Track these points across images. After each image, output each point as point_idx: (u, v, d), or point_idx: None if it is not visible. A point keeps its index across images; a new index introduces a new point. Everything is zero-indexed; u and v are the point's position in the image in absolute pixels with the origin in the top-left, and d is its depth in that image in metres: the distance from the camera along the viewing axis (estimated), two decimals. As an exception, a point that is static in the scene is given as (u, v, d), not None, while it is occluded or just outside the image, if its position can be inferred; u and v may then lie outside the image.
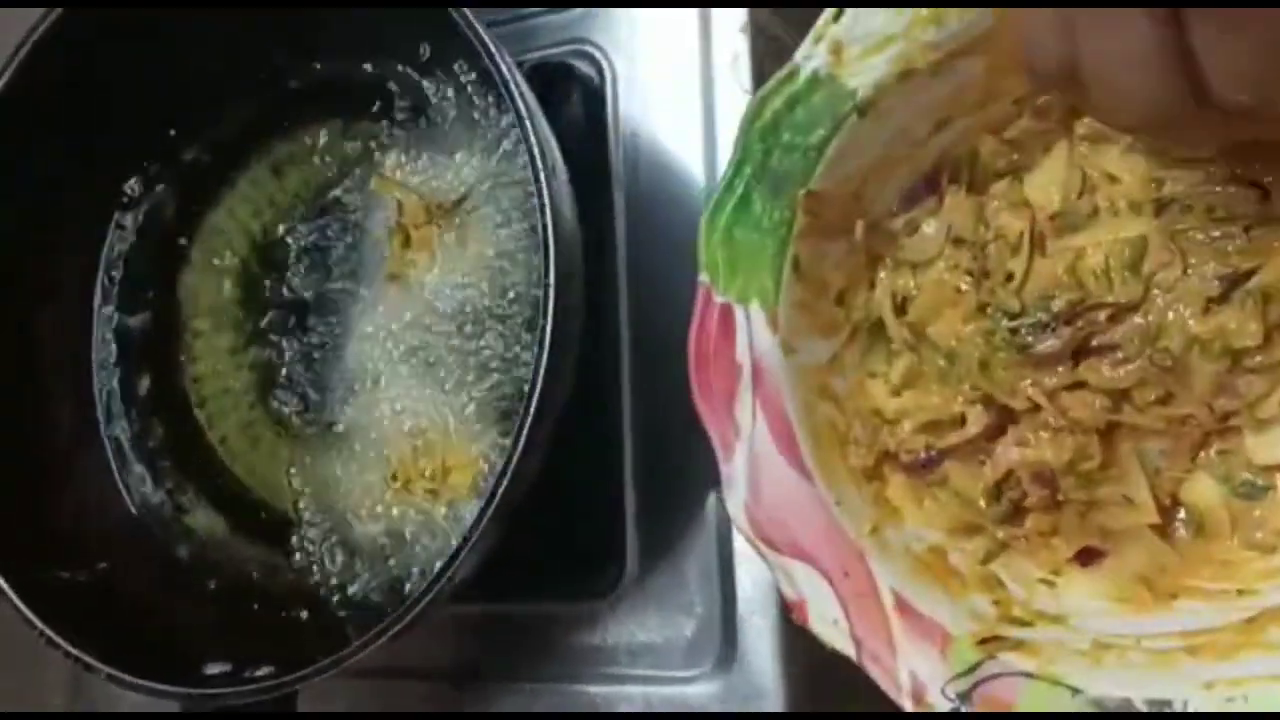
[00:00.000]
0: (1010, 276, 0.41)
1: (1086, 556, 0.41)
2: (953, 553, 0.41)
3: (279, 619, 0.51)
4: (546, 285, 0.42)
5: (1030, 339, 0.40)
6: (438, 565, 0.43)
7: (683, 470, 0.48)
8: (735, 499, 0.40)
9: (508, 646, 0.53)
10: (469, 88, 0.51)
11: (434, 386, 0.50)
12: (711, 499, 0.50)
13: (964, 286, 0.41)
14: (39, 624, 0.47)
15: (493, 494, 0.41)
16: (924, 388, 0.42)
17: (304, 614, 0.51)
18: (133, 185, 0.57)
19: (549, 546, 0.50)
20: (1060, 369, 0.40)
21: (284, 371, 0.54)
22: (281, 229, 0.55)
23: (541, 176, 0.42)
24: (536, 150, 0.42)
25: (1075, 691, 0.37)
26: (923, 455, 0.42)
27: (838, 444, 0.42)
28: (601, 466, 0.51)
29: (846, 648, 0.39)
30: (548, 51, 0.55)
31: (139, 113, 0.55)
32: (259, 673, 0.45)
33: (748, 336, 0.41)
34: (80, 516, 0.54)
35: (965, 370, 0.41)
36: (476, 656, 0.54)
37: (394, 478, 0.50)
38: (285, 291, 0.55)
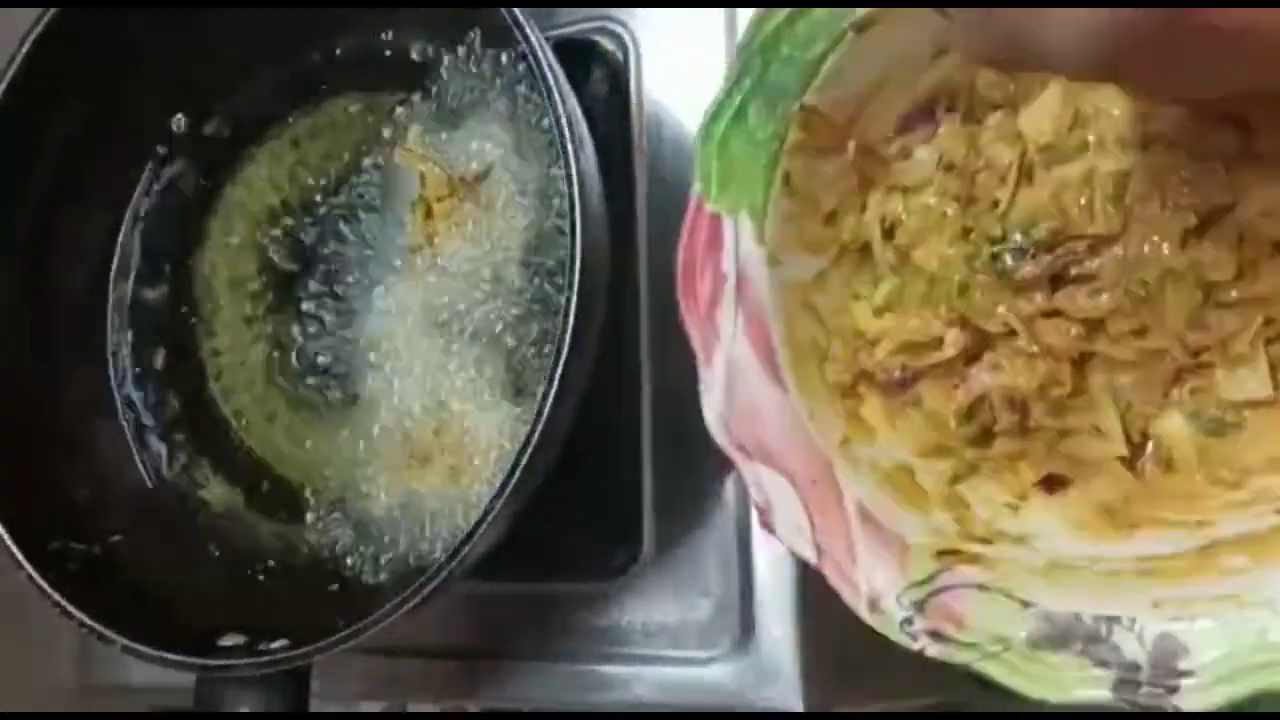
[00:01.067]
0: (996, 204, 0.41)
1: (1051, 484, 0.41)
2: (921, 473, 0.42)
3: (294, 593, 0.51)
4: (573, 259, 0.42)
5: (1010, 264, 0.41)
6: (455, 541, 0.43)
7: (702, 451, 0.46)
8: (712, 404, 0.41)
9: (522, 625, 0.54)
10: (494, 61, 0.51)
11: (454, 361, 0.50)
12: (730, 480, 0.51)
13: (950, 212, 0.42)
14: (53, 594, 0.47)
15: (513, 470, 0.41)
16: (904, 310, 0.43)
17: (318, 589, 0.50)
18: (152, 159, 0.57)
19: (565, 525, 0.50)
20: (1038, 296, 0.41)
21: (302, 345, 0.54)
22: (302, 202, 0.55)
23: (570, 149, 0.42)
24: (565, 123, 0.42)
25: (1026, 605, 0.38)
26: (898, 374, 0.43)
27: (816, 359, 0.42)
28: (619, 446, 0.51)
29: (809, 553, 0.40)
30: (571, 28, 0.55)
31: (159, 85, 0.55)
32: (273, 645, 0.45)
33: (735, 246, 0.41)
34: (95, 488, 0.54)
35: (945, 293, 0.42)
36: (490, 635, 0.54)
37: (411, 453, 0.50)
38: (305, 265, 0.55)
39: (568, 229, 0.43)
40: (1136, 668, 0.36)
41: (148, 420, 0.56)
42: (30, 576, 0.48)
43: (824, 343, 0.43)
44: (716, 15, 0.52)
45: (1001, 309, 0.41)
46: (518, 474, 0.41)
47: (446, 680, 0.55)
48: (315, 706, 0.48)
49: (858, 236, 0.43)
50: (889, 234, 0.43)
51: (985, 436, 0.42)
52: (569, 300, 0.42)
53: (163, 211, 0.57)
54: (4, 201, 0.53)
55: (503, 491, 0.41)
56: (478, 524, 0.42)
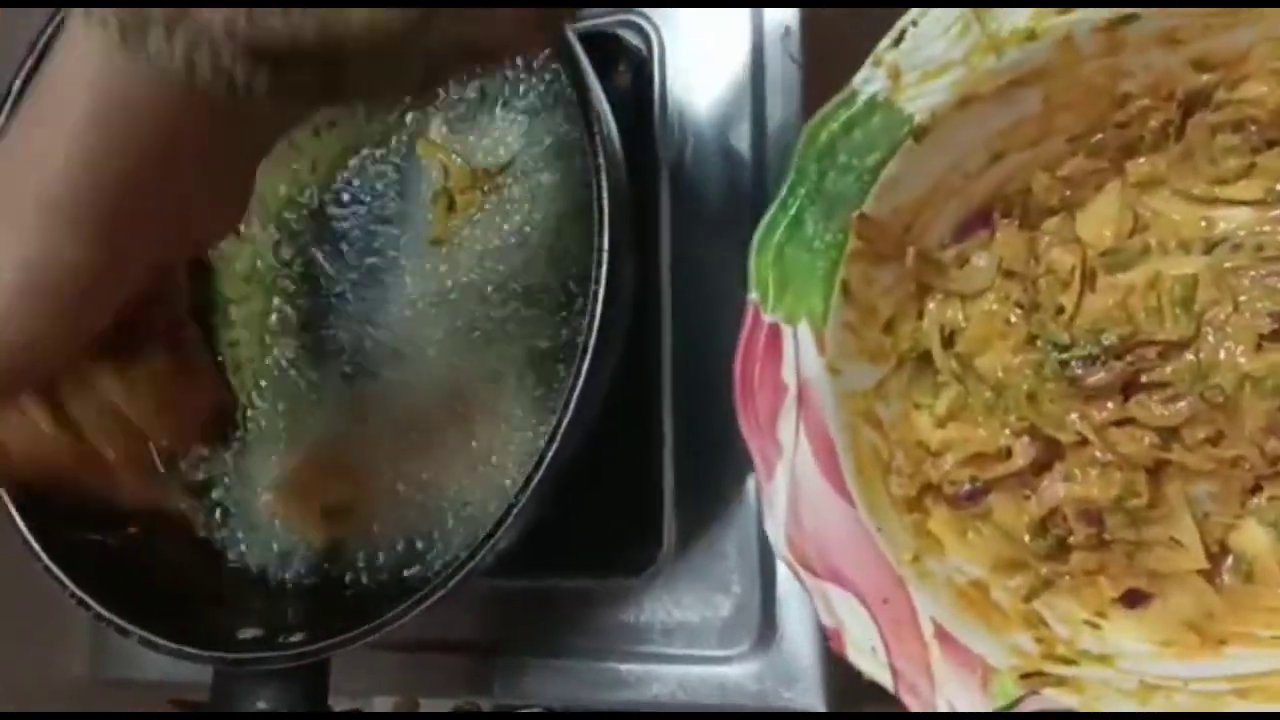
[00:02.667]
0: (1061, 310, 0.41)
1: (1133, 598, 0.40)
2: (995, 588, 0.40)
3: (312, 586, 0.50)
4: (599, 255, 0.41)
5: (1079, 372, 0.40)
6: (474, 537, 0.42)
7: (723, 446, 0.47)
8: (775, 520, 0.40)
9: (539, 621, 0.52)
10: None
11: (477, 354, 0.49)
12: (752, 477, 0.48)
13: (1013, 319, 0.41)
14: (70, 585, 0.46)
15: (537, 466, 0.40)
16: (969, 420, 0.42)
17: (337, 582, 0.50)
18: None
19: (584, 521, 0.48)
20: (1109, 404, 0.40)
21: (321, 338, 0.53)
22: (321, 193, 0.54)
23: (597, 140, 0.42)
24: (593, 113, 0.42)
25: (1121, 730, 0.36)
26: (967, 488, 0.41)
27: (880, 471, 0.41)
28: (640, 441, 0.50)
29: (884, 677, 0.38)
30: (594, 21, 0.54)
31: None
32: (292, 639, 0.44)
33: (795, 356, 0.40)
34: (111, 479, 0.51)
35: (1013, 402, 0.41)
36: (507, 630, 0.53)
37: (431, 448, 0.49)
38: (324, 257, 0.54)
39: (593, 223, 0.42)
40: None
41: None
42: (47, 567, 0.46)
43: (886, 454, 0.41)
44: (741, 11, 0.51)
45: (1074, 418, 0.40)
46: (542, 470, 0.41)
47: (462, 676, 0.54)
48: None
49: (916, 344, 0.42)
50: (949, 342, 0.42)
51: (1061, 550, 0.40)
52: (595, 295, 0.41)
53: None
54: None
55: (527, 487, 0.41)
56: (501, 520, 0.41)
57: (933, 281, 0.42)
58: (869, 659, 0.38)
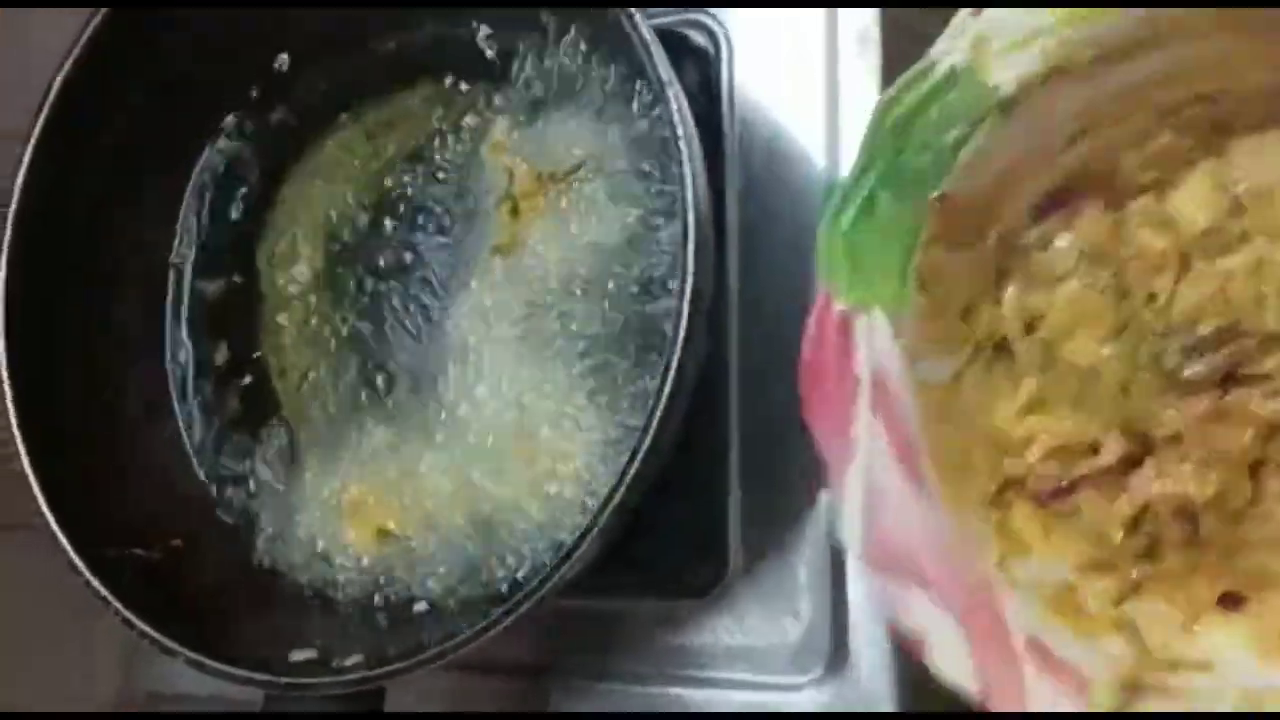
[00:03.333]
0: (1153, 297, 0.38)
1: (1230, 601, 0.38)
2: (1083, 591, 0.38)
3: (367, 608, 0.48)
4: (685, 264, 0.39)
5: (1174, 363, 0.38)
6: (538, 559, 0.41)
7: (793, 461, 0.45)
8: (849, 522, 0.37)
9: (594, 643, 0.50)
10: (584, 54, 0.48)
11: (538, 367, 0.47)
12: (823, 495, 0.47)
13: (1102, 305, 0.39)
14: (114, 603, 0.43)
15: (620, 480, 0.38)
16: (1053, 412, 0.39)
17: (393, 604, 0.47)
18: (214, 145, 0.54)
19: (645, 538, 0.46)
20: (1207, 397, 0.38)
21: (372, 346, 0.51)
22: (375, 196, 0.52)
23: (682, 145, 0.39)
24: (677, 117, 0.40)
25: (1230, 744, 0.34)
26: (1053, 485, 0.39)
27: (960, 468, 0.39)
28: (705, 455, 0.48)
29: (973, 688, 0.36)
30: (660, 19, 0.51)
31: (221, 69, 0.52)
32: (347, 663, 0.42)
33: (867, 347, 0.38)
34: (154, 491, 0.50)
35: (1104, 394, 0.38)
36: (563, 653, 0.51)
37: (491, 466, 0.46)
38: (378, 261, 0.51)
39: (662, 228, 0.41)
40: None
41: (206, 419, 0.52)
42: (89, 583, 0.44)
43: (965, 450, 0.39)
44: (816, 11, 0.49)
45: (1170, 412, 0.38)
46: (625, 484, 0.38)
47: (511, 698, 0.51)
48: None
49: (994, 332, 0.40)
50: (1030, 329, 0.40)
51: (1153, 550, 0.38)
52: (678, 311, 0.39)
53: (224, 201, 0.54)
54: (63, 189, 0.50)
55: (605, 507, 0.38)
56: (576, 545, 0.39)
57: (1012, 265, 0.40)
58: (956, 669, 0.36)
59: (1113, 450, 0.38)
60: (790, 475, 0.47)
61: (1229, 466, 0.37)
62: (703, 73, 0.50)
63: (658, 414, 0.38)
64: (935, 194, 0.38)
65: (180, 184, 0.54)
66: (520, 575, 0.44)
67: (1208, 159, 0.39)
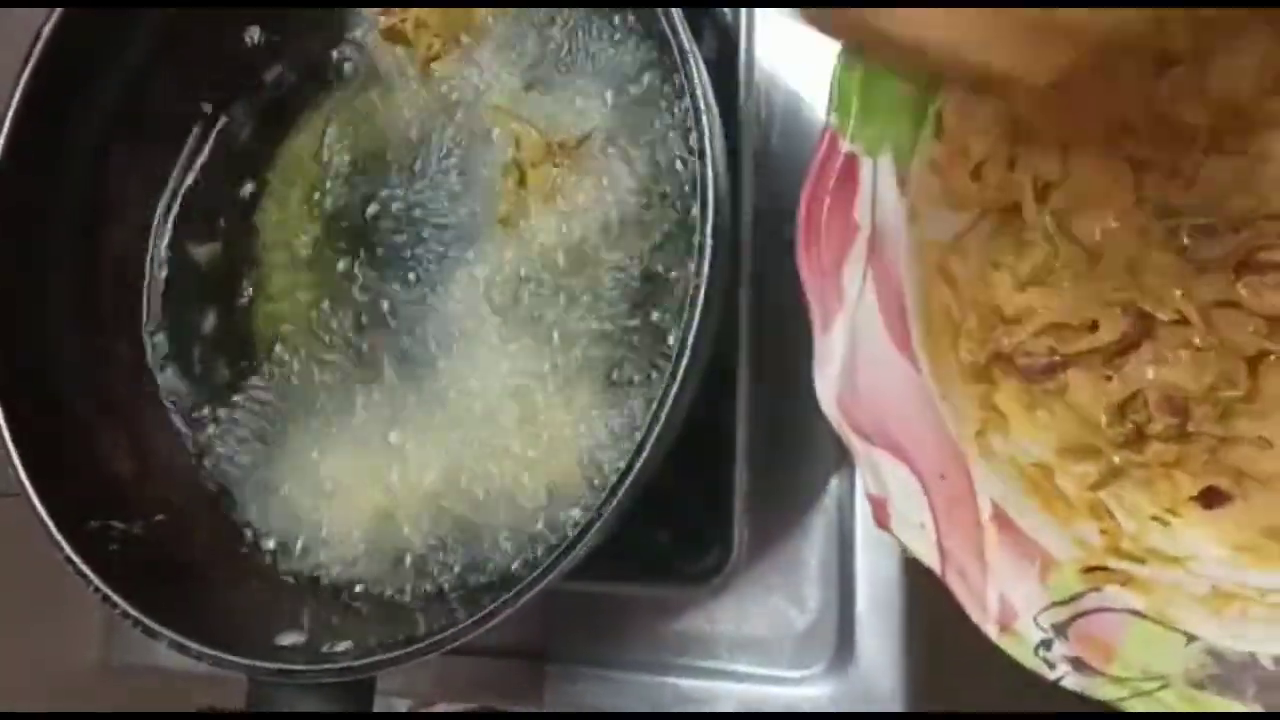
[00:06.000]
0: (1177, 172, 0.36)
1: (1211, 497, 0.36)
2: (1061, 474, 0.36)
3: (358, 593, 0.45)
4: (702, 242, 0.36)
5: (1189, 242, 0.36)
6: (539, 544, 0.40)
7: (801, 448, 0.43)
8: (826, 376, 0.36)
9: (594, 629, 0.48)
10: (602, 18, 0.44)
11: (541, 345, 0.43)
12: (833, 482, 0.45)
13: (1122, 177, 0.37)
14: (94, 579, 0.41)
15: (628, 467, 0.36)
16: (1054, 285, 0.37)
17: (384, 588, 0.45)
18: (206, 104, 0.50)
19: (647, 522, 0.43)
20: (1218, 281, 0.36)
21: (366, 322, 0.47)
22: (375, 159, 0.48)
23: (703, 119, 0.37)
24: (699, 89, 0.37)
25: (1190, 638, 0.33)
26: (1043, 361, 0.37)
27: (950, 334, 0.37)
28: (712, 441, 0.45)
29: (930, 557, 0.34)
30: None
31: (213, 24, 0.48)
32: (337, 649, 0.40)
33: (871, 194, 0.36)
34: (137, 463, 0.47)
35: (1109, 270, 0.36)
36: (559, 637, 0.49)
37: (488, 448, 0.44)
38: (377, 229, 0.47)
39: (676, 202, 0.38)
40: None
41: (191, 391, 0.49)
42: (69, 559, 0.41)
43: (958, 315, 0.37)
44: None
45: (1178, 293, 0.35)
46: (637, 469, 0.36)
47: (508, 683, 0.50)
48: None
49: (1005, 195, 0.37)
50: (1042, 196, 0.38)
51: (1137, 438, 0.37)
52: (696, 288, 0.36)
53: (216, 162, 0.50)
54: (53, 149, 0.47)
55: (621, 485, 0.36)
56: (578, 537, 0.36)
57: (1035, 123, 0.37)
58: (916, 535, 0.34)
59: (1111, 330, 0.36)
60: (799, 459, 0.45)
61: (1229, 356, 0.35)
62: (721, 41, 0.47)
63: (670, 396, 0.36)
64: (963, 35, 0.35)
65: (171, 142, 0.50)
66: (519, 562, 0.42)
67: (1259, 28, 0.36)
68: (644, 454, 0.36)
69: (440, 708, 0.61)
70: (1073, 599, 0.34)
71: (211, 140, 0.51)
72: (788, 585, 0.46)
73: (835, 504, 0.45)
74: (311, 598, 0.45)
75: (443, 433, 0.45)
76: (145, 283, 0.50)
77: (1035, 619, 0.33)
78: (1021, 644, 0.33)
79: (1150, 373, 0.36)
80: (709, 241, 0.37)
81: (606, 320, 0.43)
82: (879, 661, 0.44)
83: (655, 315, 0.42)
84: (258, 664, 0.40)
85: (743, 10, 0.47)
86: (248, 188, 0.50)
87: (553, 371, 0.43)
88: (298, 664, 0.39)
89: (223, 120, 0.51)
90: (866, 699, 0.44)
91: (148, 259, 0.51)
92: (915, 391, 0.36)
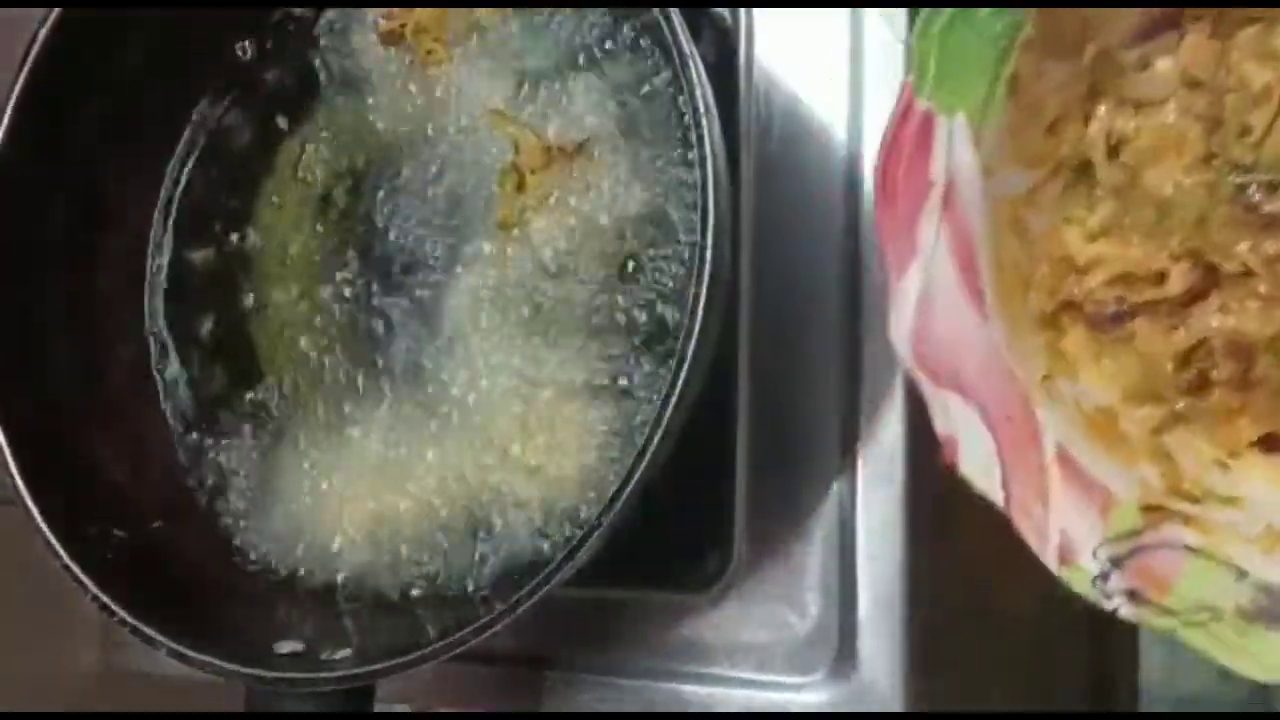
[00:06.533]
0: (1247, 131, 0.37)
1: (1271, 443, 0.38)
2: (1124, 418, 0.38)
3: (356, 599, 0.46)
4: (703, 246, 0.37)
5: (1257, 198, 0.37)
6: (541, 551, 0.41)
7: (802, 454, 0.43)
8: (901, 322, 0.38)
9: (592, 635, 0.49)
10: (601, 21, 0.45)
11: (542, 350, 0.44)
12: (834, 489, 0.45)
13: (1192, 135, 0.38)
14: (91, 587, 0.42)
15: (629, 475, 0.37)
16: (1124, 237, 0.39)
17: (382, 595, 0.45)
18: (202, 107, 0.51)
19: (647, 527, 0.41)
20: (1284, 237, 0.37)
21: (368, 323, 0.48)
22: (372, 164, 0.48)
23: (702, 122, 0.38)
24: (699, 92, 0.38)
25: (1241, 574, 0.35)
26: (1111, 309, 0.39)
27: (1020, 284, 0.39)
28: (711, 445, 0.45)
29: (995, 494, 0.36)
30: None
31: (210, 27, 0.49)
32: (336, 656, 0.41)
33: (946, 150, 0.37)
34: (134, 470, 0.48)
35: (1177, 223, 0.38)
36: (558, 643, 0.49)
37: (486, 452, 0.44)
38: (374, 233, 0.48)
39: (676, 208, 0.39)
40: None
41: (188, 396, 0.50)
42: (67, 567, 0.42)
43: (1028, 267, 0.39)
44: None
45: (1244, 246, 0.37)
46: (639, 474, 0.37)
47: (506, 689, 0.50)
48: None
49: (1078, 152, 0.39)
50: (1114, 152, 0.39)
51: (1201, 385, 0.38)
52: (695, 295, 0.37)
53: (212, 165, 0.51)
54: (49, 151, 0.47)
55: (612, 506, 0.37)
56: (579, 544, 0.38)
57: (1109, 83, 0.38)
58: (983, 475, 0.36)
59: (1179, 280, 0.38)
60: (800, 466, 0.45)
61: (1294, 309, 0.37)
62: (720, 42, 0.47)
63: (671, 402, 0.36)
64: (1039, -7, 0.36)
65: (167, 144, 0.51)
66: (519, 569, 0.42)
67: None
68: (644, 460, 0.37)
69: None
70: (1131, 535, 0.36)
71: (209, 143, 0.52)
72: (788, 592, 0.46)
73: (836, 510, 0.45)
74: (310, 605, 0.46)
75: (441, 439, 0.46)
76: (143, 288, 0.51)
77: (1094, 552, 0.36)
78: (1080, 576, 0.35)
79: (1215, 322, 0.38)
80: (709, 244, 0.37)
81: (607, 328, 0.44)
82: (880, 668, 0.44)
83: (655, 320, 0.43)
84: (257, 673, 0.40)
85: (742, 11, 0.47)
86: (245, 192, 0.51)
87: (553, 380, 0.44)
88: (297, 672, 0.40)
89: (221, 123, 0.51)
90: (867, 704, 0.44)
91: (145, 263, 0.51)
92: (984, 338, 0.37)
